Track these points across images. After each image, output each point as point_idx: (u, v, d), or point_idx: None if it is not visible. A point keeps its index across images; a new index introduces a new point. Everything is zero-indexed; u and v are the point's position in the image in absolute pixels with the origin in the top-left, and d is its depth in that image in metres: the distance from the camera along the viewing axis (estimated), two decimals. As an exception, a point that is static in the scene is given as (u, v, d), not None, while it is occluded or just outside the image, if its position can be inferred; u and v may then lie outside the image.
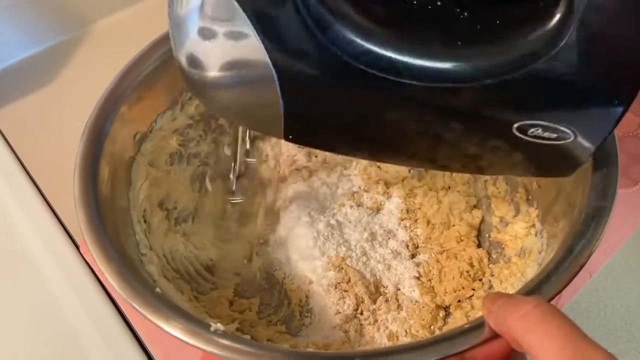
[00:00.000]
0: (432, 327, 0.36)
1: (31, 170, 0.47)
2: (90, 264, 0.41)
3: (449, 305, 0.37)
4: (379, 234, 0.42)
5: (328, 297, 0.38)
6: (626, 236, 0.42)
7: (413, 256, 0.41)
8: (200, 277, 0.38)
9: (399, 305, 0.38)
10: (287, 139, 0.26)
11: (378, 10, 0.22)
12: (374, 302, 0.38)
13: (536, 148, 0.22)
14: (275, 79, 0.22)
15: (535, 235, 0.34)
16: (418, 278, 0.39)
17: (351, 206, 0.43)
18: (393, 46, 0.21)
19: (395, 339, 0.36)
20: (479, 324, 0.23)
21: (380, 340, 0.36)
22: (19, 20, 0.54)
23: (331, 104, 0.24)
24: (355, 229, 0.42)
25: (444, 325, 0.36)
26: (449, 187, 0.43)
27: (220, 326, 0.25)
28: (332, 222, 0.42)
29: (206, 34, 0.22)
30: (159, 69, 0.35)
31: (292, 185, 0.44)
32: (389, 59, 0.21)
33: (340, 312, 0.37)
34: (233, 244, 0.42)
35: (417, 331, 0.36)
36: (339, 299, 0.38)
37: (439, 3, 0.21)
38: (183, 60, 0.24)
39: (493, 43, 0.21)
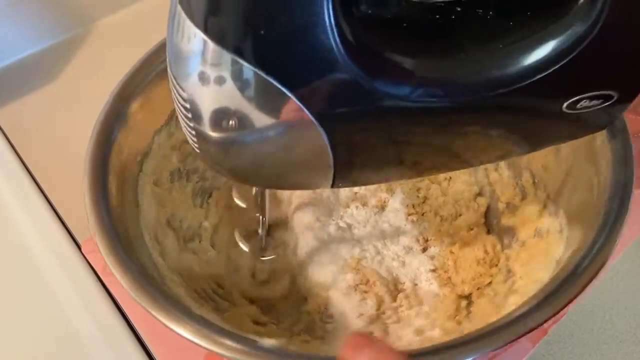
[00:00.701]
0: (457, 317, 0.36)
1: (33, 170, 0.47)
2: (92, 264, 0.40)
3: (470, 294, 0.37)
4: (388, 232, 0.41)
5: (348, 301, 0.37)
6: (632, 238, 0.41)
7: (424, 250, 0.41)
8: (217, 295, 0.38)
9: (419, 301, 0.38)
10: (333, 187, 0.25)
11: (411, 41, 0.21)
12: (394, 299, 0.37)
13: (582, 116, 0.23)
14: (324, 137, 0.21)
15: (550, 215, 0.34)
16: (434, 271, 0.39)
17: (357, 207, 0.43)
18: (442, 74, 0.21)
19: (422, 334, 0.35)
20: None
21: (408, 337, 0.35)
22: (21, 18, 0.54)
23: (380, 142, 0.23)
24: (364, 229, 0.41)
25: (468, 314, 0.36)
26: (451, 178, 0.43)
27: (272, 341, 0.25)
28: (342, 224, 0.41)
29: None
30: (153, 84, 0.35)
31: (296, 192, 0.43)
32: (440, 86, 0.21)
33: (362, 314, 0.37)
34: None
35: (443, 323, 0.35)
36: (360, 301, 0.37)
37: (458, 9, 0.20)
38: (207, 122, 0.21)
39: (532, 37, 0.21)
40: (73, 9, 0.57)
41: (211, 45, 0.19)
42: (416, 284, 0.39)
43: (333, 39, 0.18)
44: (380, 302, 0.37)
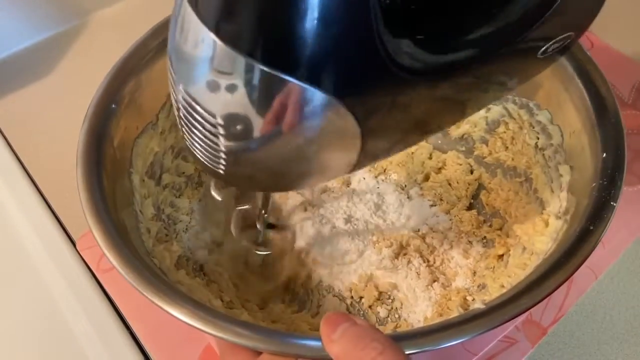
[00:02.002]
0: (479, 229, 0.40)
1: (28, 165, 0.46)
2: (87, 261, 0.40)
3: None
4: (373, 199, 0.43)
5: (401, 272, 0.39)
6: (632, 237, 0.41)
7: (410, 198, 0.43)
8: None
9: (444, 235, 0.41)
10: (352, 171, 0.24)
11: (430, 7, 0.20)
12: (431, 249, 0.40)
13: (547, 59, 0.25)
14: (358, 132, 0.20)
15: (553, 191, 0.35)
16: (433, 205, 0.42)
17: (330, 194, 0.43)
18: (453, 49, 0.20)
19: (468, 253, 0.39)
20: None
21: (466, 266, 0.39)
22: (15, 11, 0.53)
23: (401, 110, 0.22)
24: (358, 207, 0.42)
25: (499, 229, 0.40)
26: (444, 165, 0.45)
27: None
28: (344, 216, 0.41)
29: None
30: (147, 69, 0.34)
31: (289, 201, 0.43)
32: (462, 50, 0.21)
33: (418, 273, 0.38)
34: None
35: (472, 236, 0.40)
36: (407, 264, 0.39)
37: None
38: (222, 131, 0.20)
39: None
40: (69, 1, 0.56)
41: (224, 48, 0.17)
42: (431, 228, 0.41)
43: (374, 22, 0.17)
44: (425, 256, 0.39)
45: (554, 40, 0.24)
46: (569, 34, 0.24)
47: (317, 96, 0.18)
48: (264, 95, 0.19)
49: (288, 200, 0.42)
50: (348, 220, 0.41)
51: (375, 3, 0.17)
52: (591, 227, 0.27)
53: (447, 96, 0.23)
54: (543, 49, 0.23)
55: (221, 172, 0.23)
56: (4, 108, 0.50)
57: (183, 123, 0.22)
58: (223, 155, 0.22)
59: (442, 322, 0.24)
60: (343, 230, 0.40)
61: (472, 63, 0.22)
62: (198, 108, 0.20)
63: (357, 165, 0.24)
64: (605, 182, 0.28)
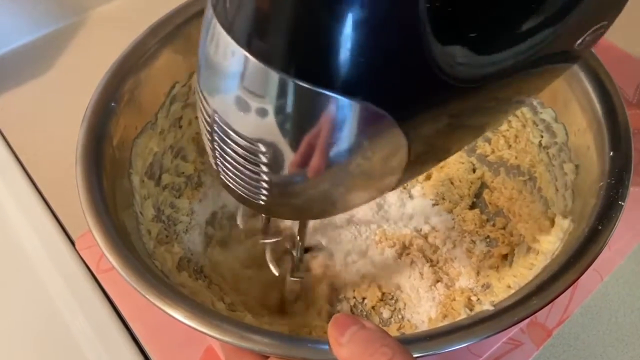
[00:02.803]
0: (482, 228, 0.40)
1: (26, 163, 0.46)
2: (86, 261, 0.40)
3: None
4: (374, 200, 0.43)
5: (404, 272, 0.39)
6: (637, 238, 0.41)
7: (411, 197, 0.43)
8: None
9: (447, 235, 0.40)
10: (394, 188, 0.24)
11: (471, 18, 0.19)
12: (433, 248, 0.40)
13: (582, 50, 0.24)
14: (405, 145, 0.19)
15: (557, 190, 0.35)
16: (435, 204, 0.42)
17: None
18: (498, 56, 0.19)
19: (472, 251, 0.39)
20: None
21: (469, 266, 0.38)
22: (14, 7, 0.53)
23: (445, 126, 0.21)
24: (360, 208, 0.41)
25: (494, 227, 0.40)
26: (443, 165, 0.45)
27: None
28: (346, 216, 0.41)
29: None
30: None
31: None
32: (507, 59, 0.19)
33: (421, 273, 0.38)
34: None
35: (475, 235, 0.40)
36: (410, 264, 0.39)
37: None
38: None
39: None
40: (67, -3, 0.56)
41: (263, 67, 0.17)
42: (433, 227, 0.41)
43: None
44: (427, 256, 0.39)
45: (592, 29, 0.22)
46: (603, 23, 0.23)
47: (367, 111, 0.17)
48: (313, 115, 0.18)
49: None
50: (350, 220, 0.41)
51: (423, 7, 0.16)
52: (600, 227, 0.26)
53: (490, 107, 0.22)
54: (581, 39, 0.22)
55: (262, 202, 0.22)
56: (2, 105, 0.50)
57: (215, 149, 0.21)
58: (265, 185, 0.20)
59: (451, 324, 0.24)
60: (345, 231, 0.40)
61: (521, 60, 0.20)
62: (232, 134, 0.19)
63: (400, 183, 0.23)
64: (613, 181, 0.28)
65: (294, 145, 0.19)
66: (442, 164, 0.43)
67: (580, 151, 0.32)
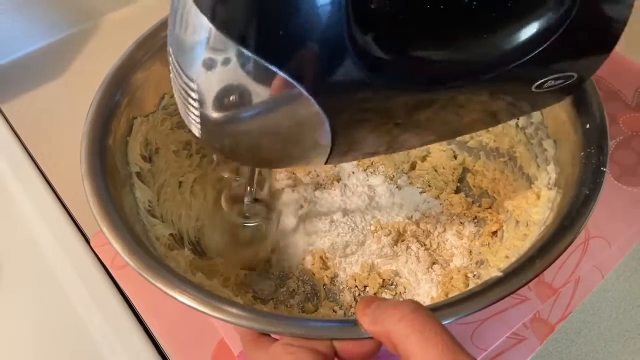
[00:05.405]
0: (469, 209, 0.42)
1: (41, 164, 0.47)
2: (101, 258, 0.41)
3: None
4: (365, 192, 0.44)
5: (401, 257, 0.40)
6: (637, 236, 0.41)
7: (399, 188, 0.45)
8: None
9: (437, 219, 0.42)
10: (326, 164, 0.26)
11: (408, 32, 0.22)
12: (426, 233, 0.41)
13: (546, 94, 0.27)
14: (326, 121, 0.22)
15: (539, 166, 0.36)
16: (423, 192, 0.44)
17: (324, 190, 0.44)
18: (435, 62, 0.23)
19: (461, 233, 0.41)
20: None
21: (461, 246, 0.40)
22: (28, 13, 0.54)
23: (375, 121, 0.24)
24: (352, 200, 0.43)
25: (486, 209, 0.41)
26: (429, 153, 0.46)
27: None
28: (341, 209, 0.43)
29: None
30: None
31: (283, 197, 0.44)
32: (438, 73, 0.23)
33: (418, 257, 0.40)
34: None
35: (463, 217, 0.42)
36: (406, 250, 0.40)
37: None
38: (210, 102, 0.22)
39: (513, 27, 0.23)
40: (81, 3, 0.56)
41: (217, 34, 0.20)
42: (423, 214, 0.43)
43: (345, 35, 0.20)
44: (421, 241, 0.41)
45: (550, 77, 0.25)
46: (569, 74, 0.25)
47: (283, 82, 0.21)
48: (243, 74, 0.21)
49: (277, 182, 0.44)
50: (345, 213, 0.42)
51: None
52: (587, 192, 0.28)
53: (420, 113, 0.25)
54: (538, 83, 0.25)
55: (213, 145, 0.25)
56: (18, 108, 0.51)
57: (184, 104, 0.24)
58: (196, 118, 0.24)
59: (466, 292, 0.25)
60: (342, 224, 0.41)
61: (447, 79, 0.23)
62: (184, 76, 0.22)
63: (333, 158, 0.26)
64: (593, 150, 0.29)
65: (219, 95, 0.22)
66: (424, 153, 0.45)
67: (556, 127, 0.33)
